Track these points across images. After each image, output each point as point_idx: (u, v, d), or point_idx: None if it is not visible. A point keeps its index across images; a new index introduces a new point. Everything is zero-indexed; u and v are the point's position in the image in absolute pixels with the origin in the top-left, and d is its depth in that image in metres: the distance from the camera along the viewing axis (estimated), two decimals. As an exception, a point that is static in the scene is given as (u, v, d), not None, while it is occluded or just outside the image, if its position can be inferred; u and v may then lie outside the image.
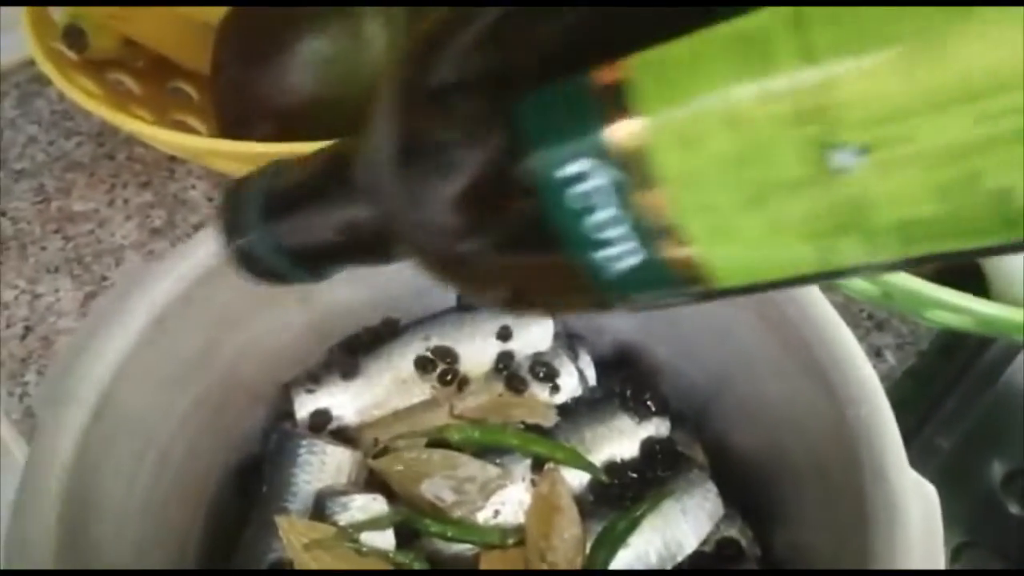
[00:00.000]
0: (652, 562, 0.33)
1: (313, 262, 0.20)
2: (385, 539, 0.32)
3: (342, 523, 0.32)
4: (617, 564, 0.33)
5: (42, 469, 0.27)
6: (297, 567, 0.31)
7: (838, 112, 0.12)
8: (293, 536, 0.31)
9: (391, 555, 0.32)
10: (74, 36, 0.44)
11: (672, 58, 0.13)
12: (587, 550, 0.33)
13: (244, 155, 0.36)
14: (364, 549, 0.31)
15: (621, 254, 0.14)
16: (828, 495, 0.30)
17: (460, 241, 0.16)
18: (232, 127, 0.40)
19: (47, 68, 0.42)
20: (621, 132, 0.13)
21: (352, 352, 0.38)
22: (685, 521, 0.33)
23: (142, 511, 0.31)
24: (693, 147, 0.13)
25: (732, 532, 0.34)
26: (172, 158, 0.56)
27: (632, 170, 0.13)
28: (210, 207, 0.54)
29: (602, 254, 0.14)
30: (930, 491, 0.27)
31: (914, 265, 0.14)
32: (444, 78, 0.15)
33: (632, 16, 0.13)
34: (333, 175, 0.19)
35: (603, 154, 0.13)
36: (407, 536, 0.33)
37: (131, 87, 0.50)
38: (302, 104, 0.38)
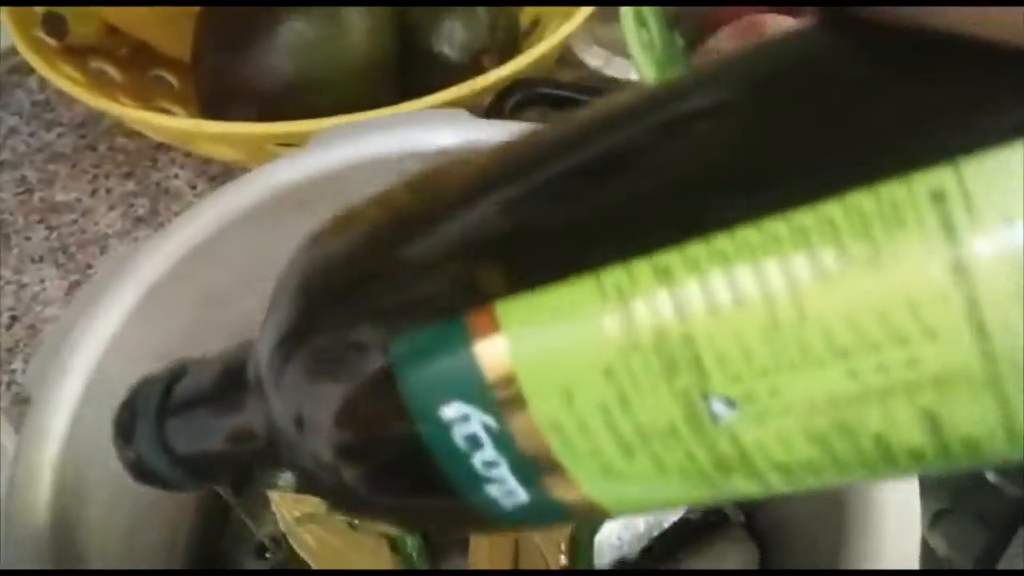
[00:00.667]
0: (639, 530, 0.33)
1: (203, 469, 0.19)
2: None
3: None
4: (603, 533, 0.33)
5: (35, 446, 0.27)
6: (290, 540, 0.31)
7: (706, 364, 0.12)
8: (285, 509, 0.31)
9: (383, 528, 0.32)
10: (54, 23, 0.44)
11: (541, 307, 0.13)
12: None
13: (228, 136, 0.37)
14: (356, 522, 0.32)
15: (509, 492, 0.14)
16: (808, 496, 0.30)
17: (338, 464, 0.15)
18: (213, 111, 0.41)
19: (28, 55, 0.42)
20: (495, 378, 0.13)
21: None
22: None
23: (136, 492, 0.31)
24: (569, 395, 0.13)
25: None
26: (155, 148, 0.56)
27: (509, 416, 0.13)
28: (193, 195, 0.54)
29: (490, 491, 0.14)
30: (910, 487, 0.27)
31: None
32: (330, 288, 0.15)
33: (500, 261, 0.13)
34: (229, 377, 0.18)
35: (479, 398, 0.13)
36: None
37: (113, 75, 0.50)
38: (282, 87, 0.39)
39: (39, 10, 0.45)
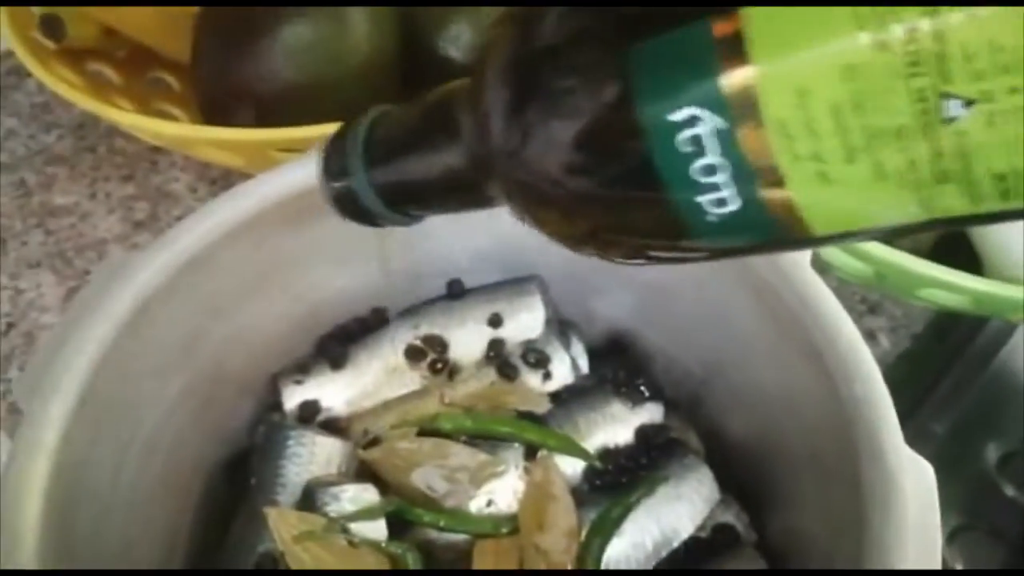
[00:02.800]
0: (648, 549, 0.32)
1: (409, 205, 0.21)
2: (377, 529, 0.32)
3: (333, 514, 0.32)
4: (612, 551, 0.32)
5: (26, 460, 0.26)
6: (287, 559, 0.30)
7: (951, 63, 0.12)
8: (283, 528, 0.31)
9: (383, 545, 0.31)
10: (52, 25, 0.43)
11: (789, 8, 0.13)
12: (582, 538, 0.32)
13: (227, 142, 0.36)
14: (356, 540, 0.31)
15: (725, 199, 0.15)
16: (823, 477, 0.29)
17: (568, 180, 0.16)
18: (213, 114, 0.40)
19: (25, 58, 0.41)
20: (734, 79, 0.13)
21: (341, 342, 0.37)
22: (680, 506, 0.32)
23: (128, 503, 0.30)
24: (805, 95, 0.13)
25: (728, 517, 0.33)
26: (154, 150, 0.55)
27: (742, 116, 0.13)
28: (194, 199, 0.53)
29: (706, 197, 0.15)
30: (926, 468, 0.27)
31: (1009, 218, 0.14)
32: (561, 28, 0.16)
33: None
34: (436, 120, 0.19)
35: (715, 101, 0.14)
36: (399, 526, 0.33)
37: (111, 77, 0.49)
38: (284, 90, 0.38)
39: (36, 11, 0.44)
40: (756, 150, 0.14)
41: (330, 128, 0.36)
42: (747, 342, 0.32)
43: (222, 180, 0.53)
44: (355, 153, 0.21)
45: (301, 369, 0.37)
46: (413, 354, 0.37)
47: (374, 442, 0.34)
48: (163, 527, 0.33)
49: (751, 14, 0.13)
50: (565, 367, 0.36)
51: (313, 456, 0.34)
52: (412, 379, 0.36)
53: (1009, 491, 0.42)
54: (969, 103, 0.12)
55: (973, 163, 0.13)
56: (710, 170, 0.14)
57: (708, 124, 0.14)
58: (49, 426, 0.27)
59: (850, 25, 0.12)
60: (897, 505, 0.25)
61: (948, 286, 0.34)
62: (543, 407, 0.35)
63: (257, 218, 0.31)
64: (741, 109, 0.13)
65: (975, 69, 0.12)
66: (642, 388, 0.36)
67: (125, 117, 0.37)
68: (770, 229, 0.15)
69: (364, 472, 0.34)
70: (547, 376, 0.36)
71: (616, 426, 0.35)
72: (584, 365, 0.37)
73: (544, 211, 0.18)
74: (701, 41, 0.14)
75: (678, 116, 0.14)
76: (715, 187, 0.15)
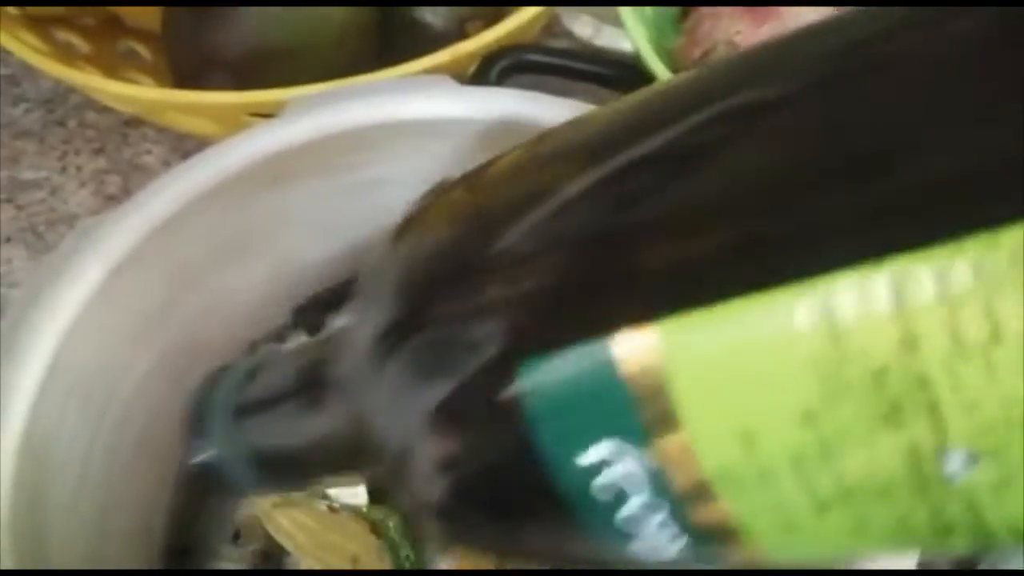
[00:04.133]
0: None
1: (280, 470, 0.18)
2: (357, 495, 0.31)
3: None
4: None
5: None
6: (266, 525, 0.30)
7: (945, 410, 0.09)
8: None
9: (364, 511, 0.31)
10: (12, -8, 0.42)
11: (715, 329, 0.10)
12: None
13: (196, 105, 0.35)
14: (336, 505, 0.31)
15: (655, 548, 0.12)
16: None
17: (458, 506, 0.13)
18: (186, 81, 0.39)
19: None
20: (652, 419, 0.11)
21: (318, 309, 0.37)
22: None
23: (103, 475, 0.30)
24: (750, 440, 0.10)
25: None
26: (127, 123, 0.54)
27: (668, 465, 0.11)
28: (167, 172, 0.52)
29: (634, 547, 0.12)
30: None
31: None
32: (443, 279, 0.13)
33: (670, 262, 0.11)
34: (312, 372, 0.17)
35: (631, 441, 0.11)
36: (380, 493, 0.32)
37: (80, 47, 0.48)
38: (257, 55, 0.37)
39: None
40: (694, 499, 0.11)
41: (306, 90, 0.35)
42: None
43: (197, 152, 0.52)
44: (223, 410, 0.18)
45: (278, 337, 0.36)
46: (392, 322, 0.36)
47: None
48: (140, 497, 0.32)
49: (669, 327, 0.10)
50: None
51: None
52: (391, 347, 0.36)
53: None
54: (975, 459, 0.10)
55: (987, 520, 0.10)
56: (638, 520, 0.12)
57: (627, 467, 0.11)
58: (16, 396, 0.26)
59: (792, 348, 0.10)
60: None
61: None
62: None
63: (228, 182, 0.31)
64: (668, 454, 0.11)
65: (979, 420, 0.09)
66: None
67: (93, 81, 0.36)
68: (721, 564, 0.13)
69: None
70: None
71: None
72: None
73: (423, 518, 0.15)
74: (606, 363, 0.11)
75: (590, 456, 0.11)
76: (650, 536, 0.12)
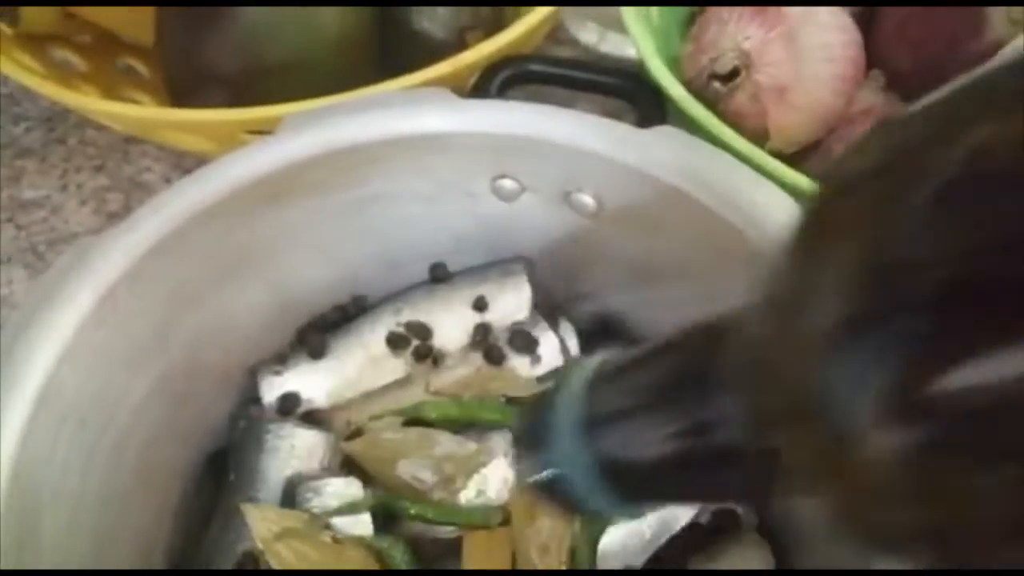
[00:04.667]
0: (645, 537, 0.31)
1: (634, 489, 0.16)
2: (362, 524, 0.30)
3: (316, 510, 0.30)
4: (608, 541, 0.31)
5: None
6: (268, 558, 0.29)
7: None
8: (262, 525, 0.29)
9: (369, 541, 0.30)
10: (4, 11, 0.41)
11: None
12: (576, 528, 0.31)
13: (192, 123, 0.34)
14: (340, 536, 0.30)
15: None
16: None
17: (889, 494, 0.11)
18: (182, 97, 0.38)
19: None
20: None
21: (320, 331, 0.36)
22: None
23: (99, 504, 0.29)
24: None
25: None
26: (127, 140, 0.53)
27: None
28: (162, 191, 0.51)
29: None
30: None
31: None
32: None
33: None
34: (688, 373, 0.14)
35: None
36: (385, 521, 0.31)
37: (77, 65, 0.47)
38: (253, 69, 0.36)
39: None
40: None
41: (303, 106, 0.34)
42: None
43: (197, 168, 0.52)
44: (567, 418, 0.15)
45: (280, 360, 0.35)
46: (396, 341, 0.35)
47: (357, 433, 0.33)
48: (139, 527, 0.31)
49: None
50: (554, 349, 0.35)
51: (294, 450, 0.33)
52: (395, 368, 0.35)
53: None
54: None
55: None
56: None
57: None
58: (8, 423, 0.25)
59: None
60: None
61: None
62: (532, 392, 0.34)
63: (226, 200, 0.30)
64: None
65: None
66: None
67: (93, 104, 0.36)
68: None
69: (348, 465, 0.33)
70: (536, 360, 0.35)
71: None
72: (574, 347, 0.36)
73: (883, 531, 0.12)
74: None
75: None
76: None
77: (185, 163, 0.52)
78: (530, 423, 0.16)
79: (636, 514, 0.17)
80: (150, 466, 0.32)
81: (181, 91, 0.39)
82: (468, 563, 0.31)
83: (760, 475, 0.14)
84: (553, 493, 0.16)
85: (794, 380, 0.12)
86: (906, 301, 0.11)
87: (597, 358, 0.17)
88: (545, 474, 0.16)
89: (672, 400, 0.15)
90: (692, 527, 0.32)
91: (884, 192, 0.12)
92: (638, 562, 0.31)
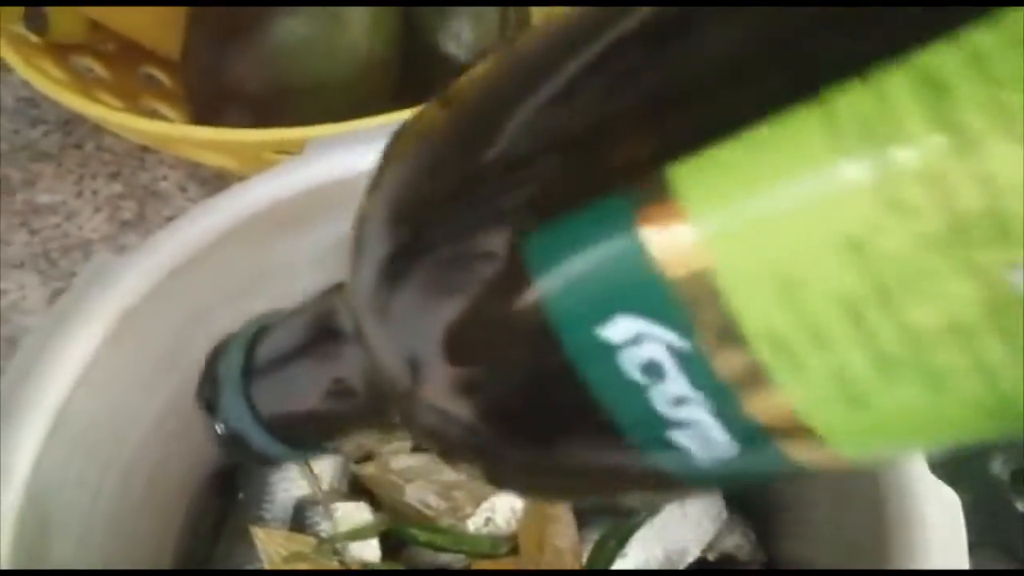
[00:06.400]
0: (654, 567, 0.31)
1: (298, 434, 0.17)
2: (371, 550, 0.30)
3: (324, 534, 0.30)
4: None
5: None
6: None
7: (1016, 224, 0.08)
8: (271, 548, 0.29)
9: (377, 564, 0.30)
10: (35, 18, 0.42)
11: (738, 166, 0.09)
12: (584, 559, 0.31)
13: (217, 143, 0.34)
14: (348, 561, 0.30)
15: (706, 440, 0.10)
16: (839, 500, 0.28)
17: (478, 422, 0.12)
18: (205, 113, 0.38)
19: (7, 53, 0.40)
20: (678, 276, 0.09)
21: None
22: (687, 526, 0.31)
23: (109, 527, 0.29)
24: (792, 288, 0.09)
25: (735, 538, 0.32)
26: (143, 147, 0.53)
27: (702, 329, 0.09)
28: (184, 198, 0.51)
29: (677, 439, 0.10)
30: (952, 498, 0.25)
31: None
32: (437, 195, 0.12)
33: (667, 111, 0.10)
34: (319, 326, 0.16)
35: (657, 308, 0.09)
36: (394, 547, 0.31)
37: (99, 73, 0.47)
38: (278, 89, 0.36)
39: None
40: (738, 371, 0.09)
41: (326, 129, 0.35)
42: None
43: (214, 179, 0.52)
44: (233, 377, 0.17)
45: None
46: (409, 364, 0.35)
47: (367, 456, 0.33)
48: (147, 547, 0.31)
49: (682, 171, 0.09)
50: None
51: (303, 473, 0.33)
52: (408, 391, 0.35)
53: (1021, 507, 0.41)
54: None
55: None
56: (678, 402, 0.10)
57: (657, 340, 0.10)
58: (19, 450, 0.25)
59: (833, 166, 0.08)
60: (921, 538, 0.23)
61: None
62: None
63: (248, 222, 0.30)
64: (701, 316, 0.09)
65: None
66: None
67: (111, 115, 0.36)
68: (787, 466, 0.11)
69: (357, 488, 0.33)
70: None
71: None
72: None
73: (449, 453, 0.14)
74: (619, 222, 0.09)
75: (613, 332, 0.10)
76: (692, 423, 0.10)
77: (201, 172, 0.52)
78: (204, 379, 0.17)
79: (312, 457, 0.17)
80: (159, 486, 0.32)
81: (204, 106, 0.39)
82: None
83: (379, 414, 0.15)
84: (232, 446, 0.17)
85: (367, 333, 0.14)
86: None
87: (259, 315, 0.18)
88: (220, 429, 0.17)
89: (312, 355, 0.16)
90: (699, 564, 0.32)
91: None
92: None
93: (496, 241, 0.11)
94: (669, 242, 0.09)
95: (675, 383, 0.10)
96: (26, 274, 0.48)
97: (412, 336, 0.12)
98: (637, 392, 0.10)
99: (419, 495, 0.32)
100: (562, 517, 0.31)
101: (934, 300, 0.09)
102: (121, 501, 0.29)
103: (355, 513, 0.31)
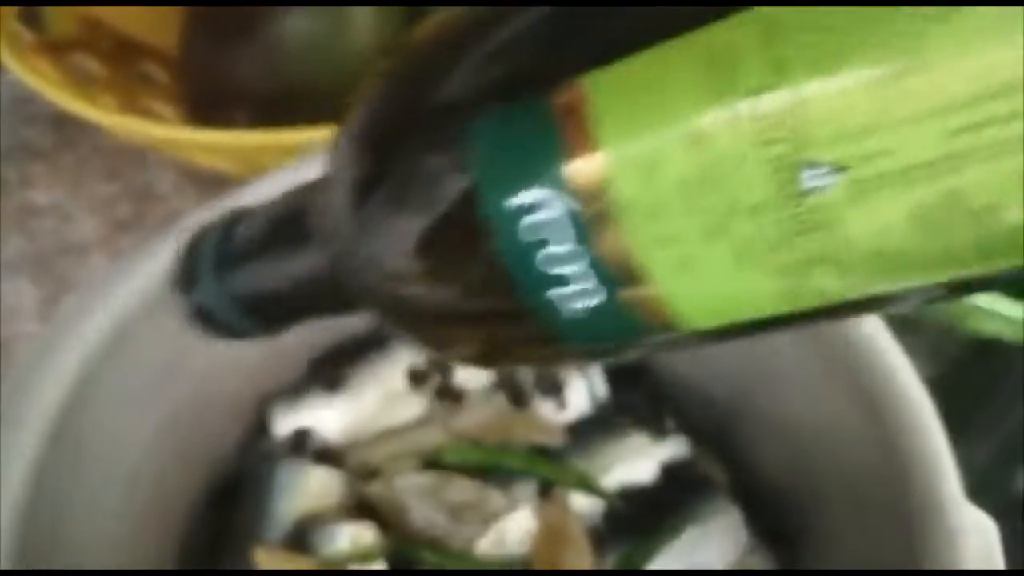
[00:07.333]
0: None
1: (269, 316, 0.19)
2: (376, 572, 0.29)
3: (327, 554, 0.29)
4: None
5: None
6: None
7: (808, 129, 0.11)
8: (272, 567, 0.28)
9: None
10: (31, 16, 0.40)
11: (632, 76, 0.12)
12: (598, 584, 0.30)
13: (218, 145, 0.33)
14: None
15: (579, 293, 0.13)
16: (869, 529, 0.27)
17: (415, 285, 0.15)
18: (204, 113, 0.37)
19: (3, 52, 0.38)
20: (576, 158, 0.12)
21: (337, 363, 0.35)
22: (708, 552, 0.30)
23: (108, 542, 0.28)
24: (653, 171, 0.12)
25: (755, 561, 0.31)
26: (140, 147, 0.52)
27: (589, 198, 0.12)
28: (180, 199, 0.50)
29: (558, 292, 0.14)
30: (988, 526, 0.24)
31: (899, 304, 0.13)
32: (394, 109, 0.15)
33: (587, 32, 0.13)
34: (290, 221, 0.18)
35: (557, 181, 0.13)
36: (401, 568, 0.30)
37: (96, 71, 0.46)
38: (280, 89, 0.35)
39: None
40: (607, 237, 0.13)
41: (327, 133, 0.33)
42: (781, 373, 0.30)
43: (211, 180, 0.50)
44: (208, 258, 0.19)
45: (293, 393, 0.34)
46: (416, 377, 0.34)
47: (373, 474, 0.32)
48: (146, 563, 0.30)
49: (589, 82, 0.12)
50: (581, 393, 0.33)
51: (306, 489, 0.31)
52: (414, 405, 0.34)
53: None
54: (832, 172, 0.11)
55: (843, 242, 0.11)
56: (559, 260, 0.13)
57: (551, 209, 0.13)
58: (15, 467, 0.24)
59: (695, 91, 0.11)
60: (958, 567, 0.22)
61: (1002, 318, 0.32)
62: (558, 439, 0.32)
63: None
64: (585, 190, 0.12)
65: (835, 134, 0.11)
66: (665, 418, 0.33)
67: (108, 117, 0.34)
68: (636, 325, 0.14)
69: (361, 507, 0.32)
70: (562, 404, 0.33)
71: (638, 460, 0.32)
72: (602, 391, 0.34)
73: (405, 325, 0.17)
74: (536, 115, 0.13)
75: (518, 200, 0.13)
76: (568, 279, 0.13)
77: (199, 173, 0.51)
78: (182, 261, 0.19)
79: (278, 333, 0.20)
80: (159, 502, 0.31)
81: (203, 105, 0.37)
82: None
83: (343, 299, 0.17)
84: (206, 322, 0.19)
85: (337, 236, 0.16)
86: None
87: (240, 207, 0.20)
88: (195, 307, 0.19)
89: (283, 242, 0.18)
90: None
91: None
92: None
93: (444, 131, 0.14)
94: (575, 138, 0.12)
95: (562, 243, 0.13)
96: (21, 279, 0.47)
97: (377, 237, 0.15)
98: (529, 250, 0.13)
99: (428, 515, 0.31)
100: (577, 540, 0.30)
101: (740, 187, 0.11)
102: (121, 518, 0.28)
103: (360, 534, 0.30)
